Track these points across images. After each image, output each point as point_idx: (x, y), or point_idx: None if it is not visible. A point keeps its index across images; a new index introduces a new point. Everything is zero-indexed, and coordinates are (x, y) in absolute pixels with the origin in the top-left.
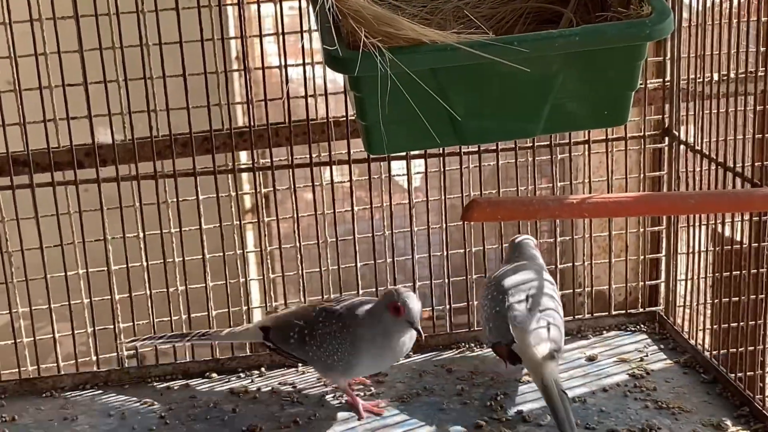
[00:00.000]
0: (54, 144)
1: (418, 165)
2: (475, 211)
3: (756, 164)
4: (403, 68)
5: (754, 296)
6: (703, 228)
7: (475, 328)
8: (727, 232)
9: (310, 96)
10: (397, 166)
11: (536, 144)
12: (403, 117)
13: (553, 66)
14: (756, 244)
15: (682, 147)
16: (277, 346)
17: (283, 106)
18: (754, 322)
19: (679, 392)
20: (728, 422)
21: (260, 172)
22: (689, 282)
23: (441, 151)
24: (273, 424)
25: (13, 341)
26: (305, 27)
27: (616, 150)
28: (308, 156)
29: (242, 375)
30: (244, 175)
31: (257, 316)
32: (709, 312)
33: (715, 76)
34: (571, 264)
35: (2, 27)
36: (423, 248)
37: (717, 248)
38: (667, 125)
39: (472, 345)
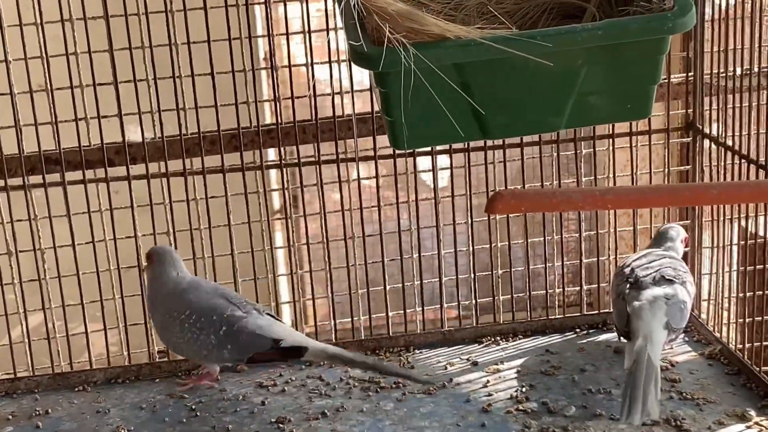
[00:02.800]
0: (85, 142)
1: (443, 161)
2: (499, 203)
3: None
4: (427, 63)
5: None
6: (728, 222)
7: (501, 322)
8: (752, 227)
9: (336, 93)
10: (423, 163)
11: (560, 138)
12: (427, 112)
13: (577, 60)
14: None
15: (706, 141)
16: None
17: (310, 103)
18: None
19: (704, 383)
20: (752, 413)
21: (287, 169)
22: (713, 276)
23: (466, 147)
24: (301, 417)
25: (46, 338)
26: (331, 26)
27: (641, 145)
28: (335, 153)
29: (270, 368)
30: (273, 175)
31: (285, 312)
32: (734, 305)
33: (738, 70)
34: (596, 259)
35: (34, 28)
36: (450, 245)
37: (742, 242)
38: (691, 119)
39: (498, 338)
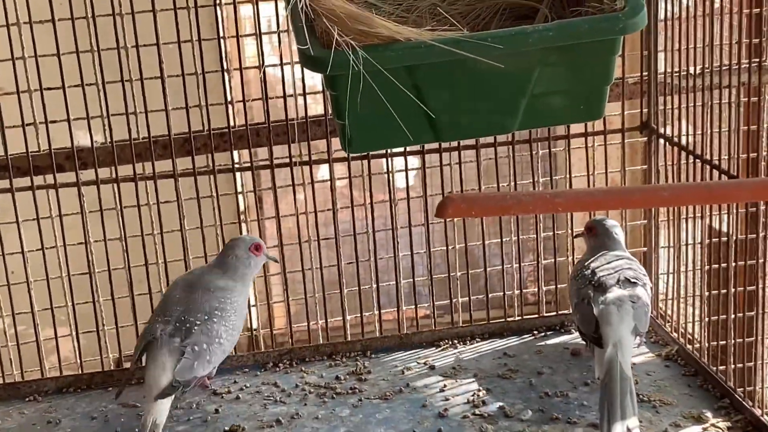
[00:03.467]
0: (33, 148)
1: (401, 163)
2: (450, 207)
3: (733, 156)
4: (377, 66)
5: (742, 288)
6: (690, 221)
7: (460, 325)
8: (715, 225)
9: (290, 96)
10: (383, 165)
11: (516, 139)
12: (378, 115)
13: (529, 61)
14: (744, 237)
15: (661, 140)
16: (190, 381)
17: (263, 106)
18: (742, 314)
19: (661, 385)
20: (708, 414)
21: (245, 173)
22: (671, 276)
23: (421, 149)
24: (255, 424)
25: None
26: (282, 28)
27: (598, 145)
28: (288, 156)
29: (225, 375)
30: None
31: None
32: (690, 306)
33: (691, 69)
34: (553, 260)
35: None
36: (408, 246)
37: (700, 242)
38: (645, 119)
39: (456, 341)
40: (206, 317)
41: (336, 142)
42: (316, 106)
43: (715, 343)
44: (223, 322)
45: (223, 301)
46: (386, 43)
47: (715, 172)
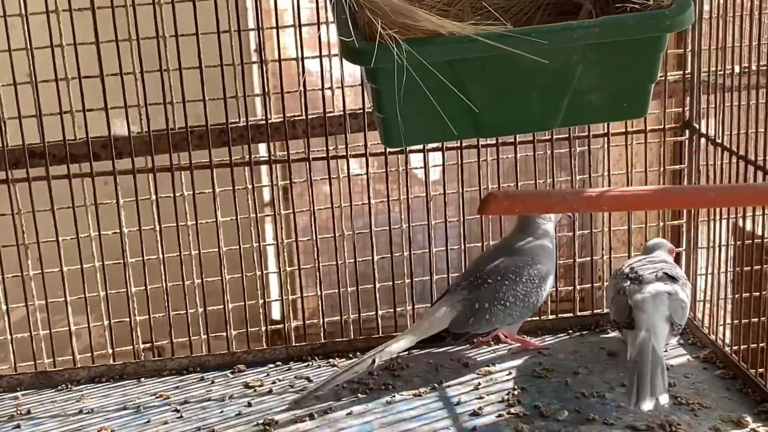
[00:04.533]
0: (70, 136)
1: (436, 158)
2: (492, 204)
3: None
4: (419, 60)
5: None
6: (725, 222)
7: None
8: (749, 227)
9: (327, 88)
10: (416, 159)
11: (555, 137)
12: (420, 109)
13: (572, 58)
14: None
15: (702, 140)
16: (461, 334)
17: (300, 98)
18: None
19: (699, 388)
20: (748, 418)
21: (276, 165)
22: (709, 277)
23: (459, 144)
24: (288, 418)
25: (29, 334)
26: (322, 19)
27: (637, 143)
28: (325, 149)
29: (257, 368)
30: (263, 170)
31: (275, 309)
32: (729, 307)
33: (736, 69)
34: (590, 258)
35: (19, 19)
36: (442, 242)
37: (738, 243)
38: (687, 118)
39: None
40: (499, 277)
41: (371, 136)
42: (345, 101)
43: (755, 345)
44: (514, 286)
45: (521, 265)
46: (430, 37)
47: (759, 174)
